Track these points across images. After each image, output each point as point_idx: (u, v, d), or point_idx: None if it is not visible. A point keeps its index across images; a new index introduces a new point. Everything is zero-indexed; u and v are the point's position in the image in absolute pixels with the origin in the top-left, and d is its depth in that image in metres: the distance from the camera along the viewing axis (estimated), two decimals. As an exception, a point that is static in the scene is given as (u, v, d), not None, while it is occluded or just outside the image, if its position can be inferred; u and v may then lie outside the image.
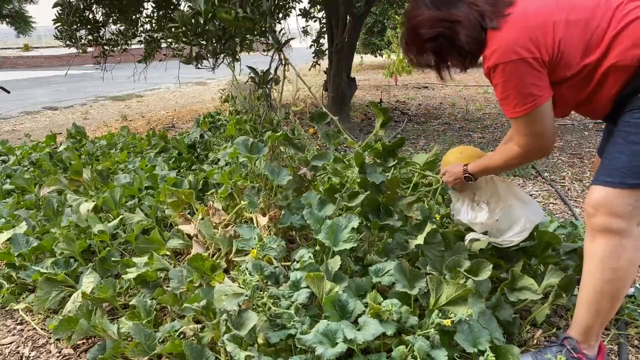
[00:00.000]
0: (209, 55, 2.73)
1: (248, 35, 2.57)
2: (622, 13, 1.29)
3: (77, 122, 5.35)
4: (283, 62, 2.47)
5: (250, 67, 2.61)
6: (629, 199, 1.27)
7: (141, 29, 5.01)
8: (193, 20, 2.37)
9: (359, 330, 1.38)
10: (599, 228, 1.32)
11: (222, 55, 2.90)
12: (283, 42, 2.50)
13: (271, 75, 2.57)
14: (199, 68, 2.97)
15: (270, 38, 2.52)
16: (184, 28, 2.40)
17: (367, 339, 1.32)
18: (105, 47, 5.08)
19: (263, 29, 2.48)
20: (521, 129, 1.44)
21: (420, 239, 1.80)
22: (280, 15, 5.15)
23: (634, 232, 1.30)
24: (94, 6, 4.60)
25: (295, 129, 2.34)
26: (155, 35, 4.69)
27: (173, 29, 2.45)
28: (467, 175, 1.74)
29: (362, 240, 1.95)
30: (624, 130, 1.30)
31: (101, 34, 4.95)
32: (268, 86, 2.59)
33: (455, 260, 1.64)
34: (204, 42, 2.59)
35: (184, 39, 2.50)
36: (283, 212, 2.08)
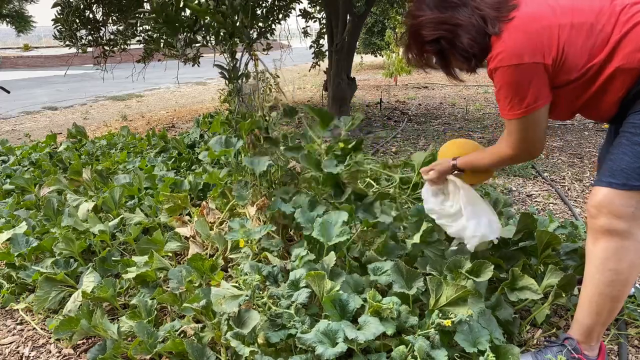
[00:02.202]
0: (178, 43, 2.73)
1: (221, 30, 2.55)
2: (626, 16, 1.29)
3: (77, 122, 5.35)
4: (253, 58, 2.47)
5: (217, 65, 2.61)
6: (631, 200, 1.27)
7: (140, 28, 5.01)
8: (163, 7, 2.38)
9: (359, 329, 1.38)
10: (601, 229, 1.31)
11: (198, 46, 2.89)
12: (254, 38, 2.51)
13: (241, 71, 2.57)
14: (165, 56, 2.95)
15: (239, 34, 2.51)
16: (154, 14, 2.41)
17: (367, 338, 1.32)
18: (106, 48, 5.08)
19: (234, 23, 2.47)
20: (514, 131, 1.44)
21: (416, 238, 1.80)
22: (280, 15, 5.15)
23: (636, 234, 1.29)
24: (94, 6, 4.60)
25: (268, 124, 2.31)
26: (139, 26, 4.67)
27: (145, 14, 2.45)
28: (457, 168, 1.73)
29: (354, 242, 1.95)
30: (628, 131, 1.30)
31: (101, 34, 4.95)
32: (239, 82, 2.59)
33: (456, 260, 1.64)
34: (173, 30, 2.59)
35: (154, 25, 2.50)
36: (273, 198, 2.07)
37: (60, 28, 4.49)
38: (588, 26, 1.31)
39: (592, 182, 1.42)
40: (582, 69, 1.33)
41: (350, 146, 2.13)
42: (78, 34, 4.67)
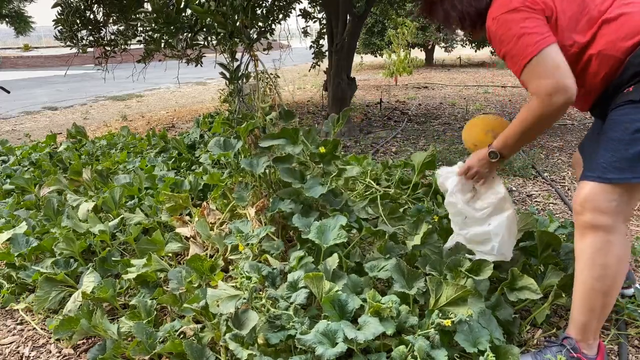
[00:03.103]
0: (179, 44, 2.74)
1: (220, 30, 2.56)
2: (621, 2, 1.34)
3: (77, 122, 5.35)
4: (253, 59, 2.47)
5: (220, 64, 2.62)
6: (612, 194, 1.29)
7: (141, 28, 5.01)
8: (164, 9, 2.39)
9: (358, 329, 1.38)
10: (586, 225, 1.34)
11: (199, 47, 2.90)
12: (254, 39, 2.53)
13: (242, 72, 2.59)
14: (166, 56, 2.96)
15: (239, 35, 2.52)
16: (155, 15, 2.42)
17: (367, 338, 1.32)
18: (107, 48, 5.07)
19: (234, 23, 2.47)
20: (534, 72, 1.34)
21: (417, 239, 1.80)
22: (280, 15, 5.15)
23: (621, 228, 1.32)
24: (95, 6, 4.59)
25: (267, 125, 2.31)
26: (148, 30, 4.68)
27: (146, 14, 2.46)
28: (492, 151, 1.55)
29: (354, 247, 1.94)
30: (607, 127, 1.34)
31: (102, 34, 4.94)
32: (239, 82, 2.60)
33: (456, 260, 1.64)
34: (173, 31, 2.60)
35: (154, 26, 2.51)
36: (272, 199, 2.07)
37: (60, 29, 4.48)
38: (580, 0, 1.37)
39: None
40: (570, 39, 1.37)
41: (327, 150, 2.04)
42: (79, 35, 4.67)
